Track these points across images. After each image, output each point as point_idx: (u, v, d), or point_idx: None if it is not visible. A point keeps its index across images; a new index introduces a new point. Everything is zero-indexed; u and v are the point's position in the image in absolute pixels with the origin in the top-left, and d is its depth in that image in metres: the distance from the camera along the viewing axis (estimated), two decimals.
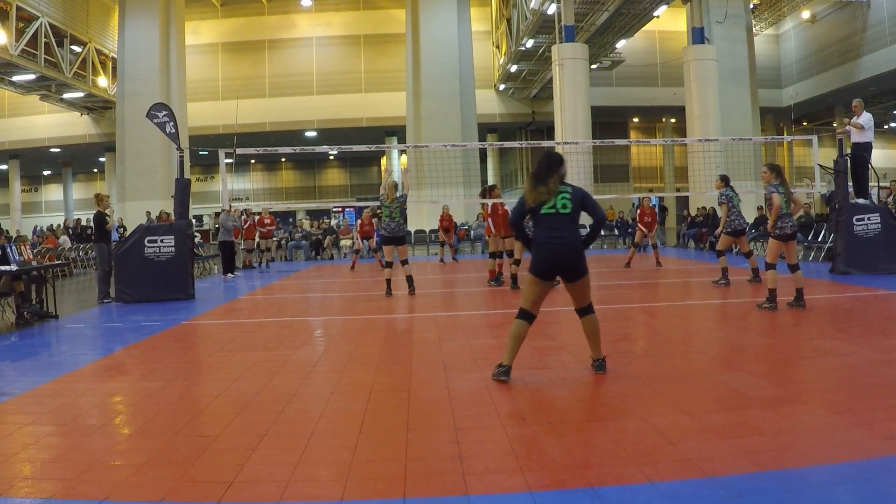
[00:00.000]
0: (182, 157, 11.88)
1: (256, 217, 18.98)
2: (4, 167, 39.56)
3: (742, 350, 6.06)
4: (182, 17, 29.46)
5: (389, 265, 10.96)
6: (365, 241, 18.23)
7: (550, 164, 4.99)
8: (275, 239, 20.55)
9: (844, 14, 30.69)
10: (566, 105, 23.45)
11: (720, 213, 10.85)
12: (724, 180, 10.93)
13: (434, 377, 5.21)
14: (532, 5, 25.66)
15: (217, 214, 19.56)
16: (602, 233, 20.24)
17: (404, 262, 10.97)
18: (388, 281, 10.85)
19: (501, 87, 35.53)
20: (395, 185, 10.85)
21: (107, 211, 11.48)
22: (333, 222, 26.09)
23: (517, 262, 10.82)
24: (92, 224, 12.09)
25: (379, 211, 11.40)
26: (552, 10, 23.89)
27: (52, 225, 27.95)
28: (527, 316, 4.94)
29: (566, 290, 5.08)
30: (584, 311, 5.03)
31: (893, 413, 3.89)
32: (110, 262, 11.37)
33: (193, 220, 13.39)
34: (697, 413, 4.05)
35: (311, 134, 36.02)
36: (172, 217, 14.57)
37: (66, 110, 34.33)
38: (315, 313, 9.78)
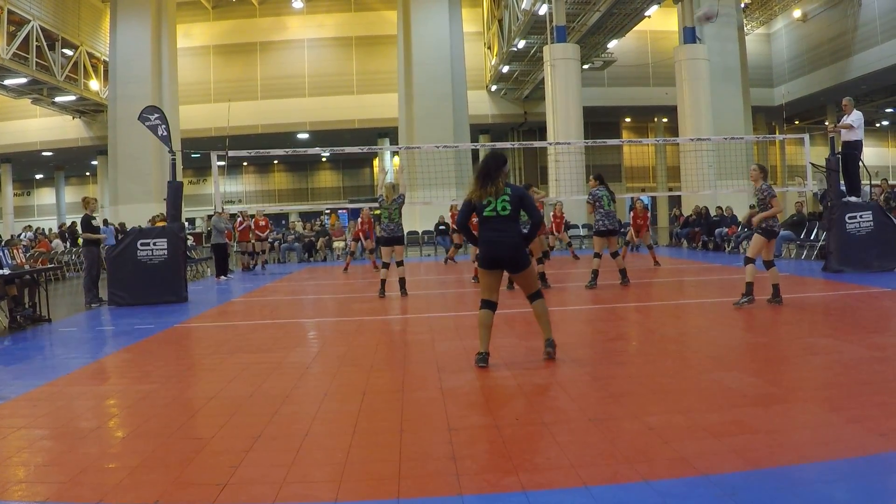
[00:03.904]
0: (174, 159, 11.84)
1: (251, 219, 18.91)
2: None
3: (735, 348, 6.09)
4: (174, 20, 29.37)
5: (386, 266, 10.95)
6: (359, 241, 18.18)
7: (497, 164, 5.45)
8: (269, 241, 20.48)
9: (835, 13, 30.84)
10: (558, 105, 23.50)
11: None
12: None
13: (427, 378, 5.21)
14: (523, 6, 25.73)
15: (209, 217, 19.49)
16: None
17: (399, 264, 10.96)
18: (383, 282, 10.83)
19: (493, 87, 35.59)
20: (394, 186, 10.87)
21: (94, 214, 11.47)
22: (335, 224, 25.88)
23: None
24: (79, 227, 12.08)
25: (378, 212, 11.39)
26: (543, 10, 23.97)
27: (40, 228, 27.72)
28: (489, 305, 5.50)
29: (516, 282, 5.62)
30: (534, 296, 5.58)
31: (887, 410, 3.90)
32: (98, 267, 11.30)
33: (186, 223, 13.33)
34: (691, 411, 4.05)
35: (303, 136, 35.99)
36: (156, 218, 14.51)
37: (58, 114, 34.19)
38: (308, 315, 9.76)
